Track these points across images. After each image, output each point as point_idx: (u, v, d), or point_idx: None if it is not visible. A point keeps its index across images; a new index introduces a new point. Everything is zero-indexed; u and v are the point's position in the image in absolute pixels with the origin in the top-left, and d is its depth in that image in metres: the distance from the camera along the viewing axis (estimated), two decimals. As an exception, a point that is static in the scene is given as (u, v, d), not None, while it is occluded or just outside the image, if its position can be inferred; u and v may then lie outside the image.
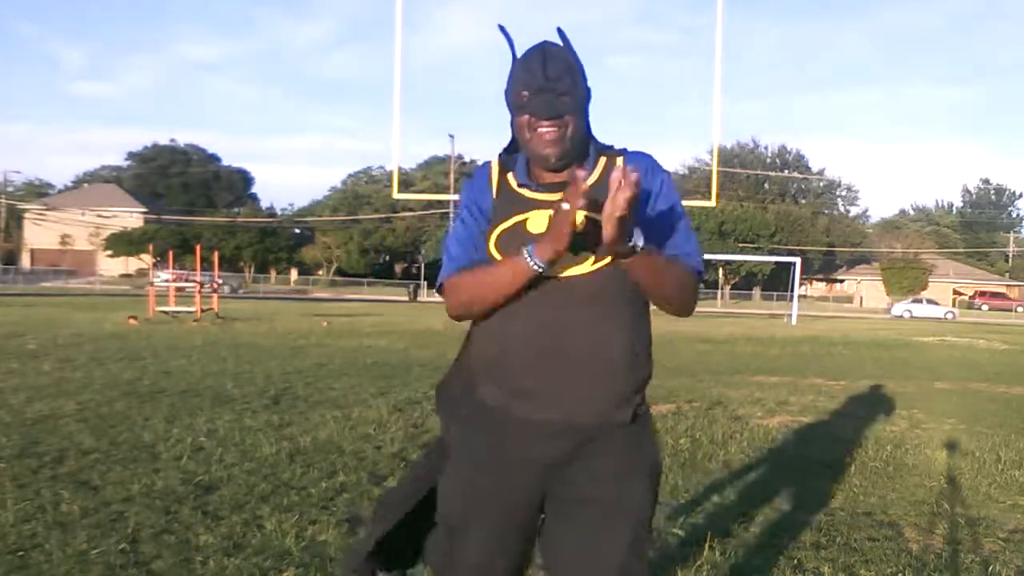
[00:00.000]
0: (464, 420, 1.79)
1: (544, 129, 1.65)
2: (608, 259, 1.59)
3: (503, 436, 1.72)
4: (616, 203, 1.41)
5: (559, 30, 1.72)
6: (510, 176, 1.76)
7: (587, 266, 1.65)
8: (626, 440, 1.72)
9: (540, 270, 1.60)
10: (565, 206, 1.48)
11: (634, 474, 1.72)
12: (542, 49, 1.69)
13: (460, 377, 1.84)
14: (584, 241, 1.55)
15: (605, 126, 1.75)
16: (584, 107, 1.70)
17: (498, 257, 1.69)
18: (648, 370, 1.75)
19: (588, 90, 1.71)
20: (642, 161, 1.74)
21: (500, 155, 1.83)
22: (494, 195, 1.77)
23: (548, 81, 1.64)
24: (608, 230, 1.45)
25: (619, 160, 1.74)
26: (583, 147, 1.73)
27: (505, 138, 1.82)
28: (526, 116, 1.67)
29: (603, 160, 1.74)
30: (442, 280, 1.76)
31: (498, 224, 1.72)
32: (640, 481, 1.73)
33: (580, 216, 1.48)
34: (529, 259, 1.59)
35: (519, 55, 1.72)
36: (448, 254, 1.77)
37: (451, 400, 1.85)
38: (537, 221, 1.69)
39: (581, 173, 1.48)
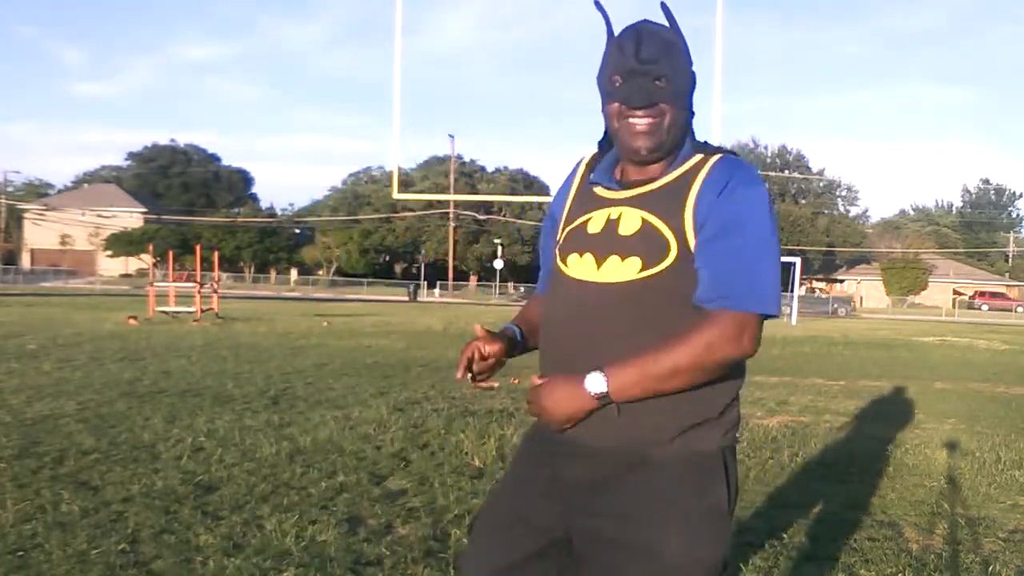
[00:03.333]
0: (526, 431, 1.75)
1: (636, 120, 1.46)
2: (657, 269, 1.45)
3: (536, 447, 1.62)
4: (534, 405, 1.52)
5: (663, 5, 1.51)
6: (592, 175, 1.62)
7: (630, 273, 1.46)
8: (670, 478, 1.45)
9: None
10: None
11: (672, 519, 1.43)
12: (638, 27, 1.48)
13: None
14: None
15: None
16: (686, 95, 1.50)
17: (560, 264, 1.57)
18: (703, 401, 1.50)
19: (693, 75, 1.51)
20: (726, 170, 1.48)
21: (594, 153, 1.66)
22: (572, 195, 1.65)
23: (641, 64, 1.44)
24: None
25: (709, 163, 1.50)
26: (680, 141, 1.52)
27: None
28: (616, 104, 1.47)
29: (694, 159, 1.52)
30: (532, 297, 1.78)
31: (569, 223, 1.60)
32: (679, 527, 1.42)
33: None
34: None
35: (616, 34, 1.51)
36: (541, 267, 1.77)
37: None
38: (597, 221, 1.53)
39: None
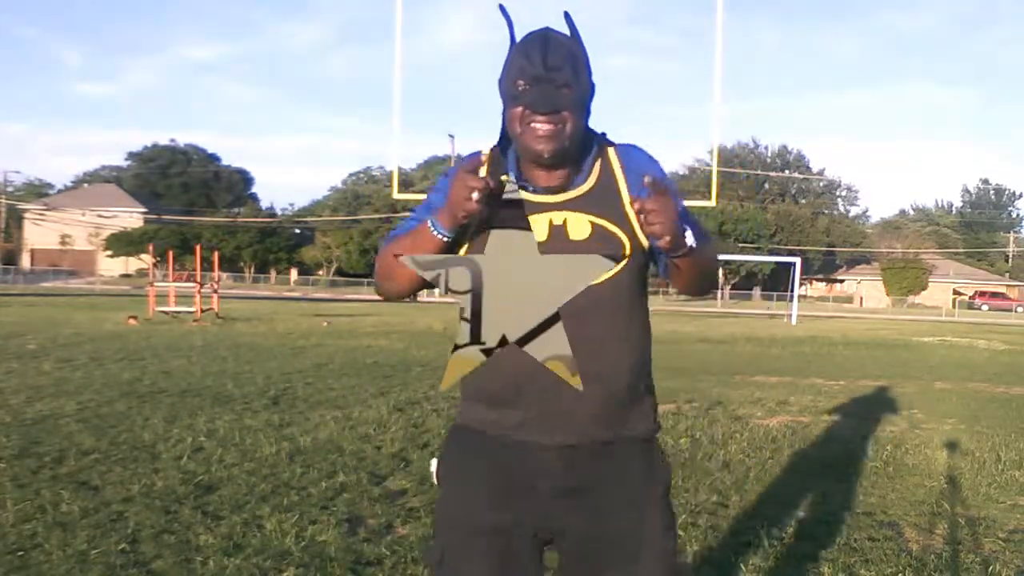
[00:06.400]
0: (459, 443, 1.66)
1: (538, 124, 1.49)
2: (617, 267, 1.48)
3: (502, 461, 1.58)
4: (659, 216, 1.40)
5: (566, 15, 1.55)
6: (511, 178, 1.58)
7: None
8: (638, 462, 1.60)
9: (445, 239, 1.49)
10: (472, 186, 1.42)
11: (648, 499, 1.60)
12: (544, 35, 1.53)
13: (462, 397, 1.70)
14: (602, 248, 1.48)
15: (605, 128, 1.69)
16: (586, 103, 1.55)
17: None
18: (641, 392, 1.62)
19: (592, 85, 1.56)
20: (637, 157, 1.63)
21: (493, 148, 1.66)
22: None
23: (548, 71, 1.48)
24: (664, 242, 1.42)
25: (610, 151, 1.62)
26: (581, 147, 1.58)
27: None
28: (520, 108, 1.50)
29: (597, 153, 1.61)
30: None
31: (492, 228, 1.52)
32: (656, 506, 1.61)
33: (476, 195, 1.42)
34: (432, 228, 1.50)
35: (518, 39, 1.55)
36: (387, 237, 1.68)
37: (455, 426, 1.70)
38: (538, 226, 1.53)
39: (481, 157, 1.53)
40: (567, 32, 1.55)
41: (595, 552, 1.57)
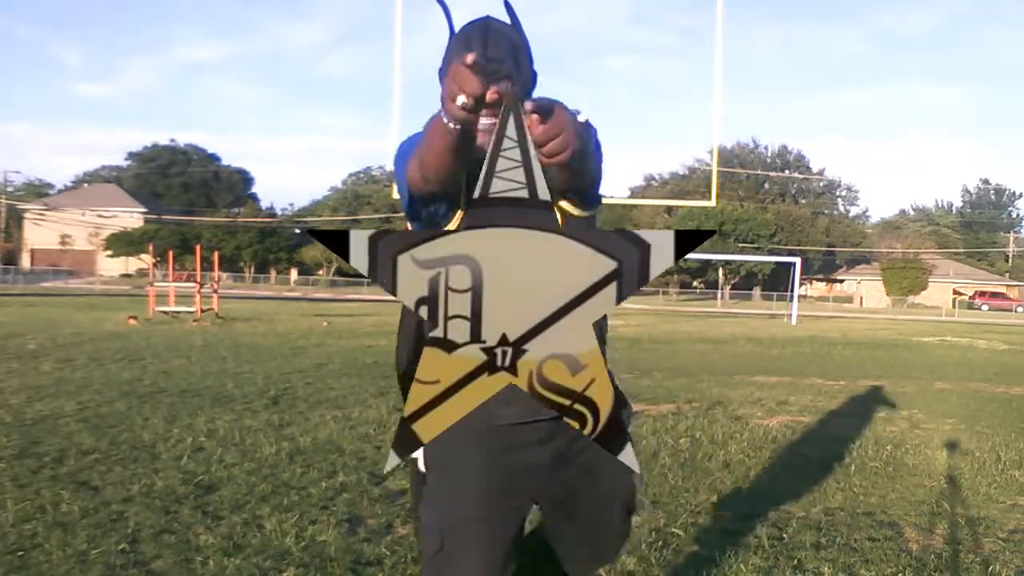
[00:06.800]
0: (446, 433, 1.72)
1: (479, 118, 1.45)
2: None
3: (491, 444, 1.62)
4: (556, 143, 1.20)
5: (506, 3, 1.51)
6: None
7: None
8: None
9: (453, 127, 1.32)
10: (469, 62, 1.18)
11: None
12: (485, 24, 1.49)
13: None
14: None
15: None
16: (527, 95, 1.52)
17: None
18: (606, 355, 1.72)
19: (534, 74, 1.54)
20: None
21: None
22: None
23: (488, 63, 1.44)
24: (566, 156, 1.22)
25: None
26: None
27: None
28: None
29: None
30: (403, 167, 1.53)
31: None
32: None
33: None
34: (444, 118, 1.34)
35: (457, 30, 1.53)
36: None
37: None
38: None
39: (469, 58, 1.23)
40: (508, 21, 1.52)
41: (574, 506, 1.70)
